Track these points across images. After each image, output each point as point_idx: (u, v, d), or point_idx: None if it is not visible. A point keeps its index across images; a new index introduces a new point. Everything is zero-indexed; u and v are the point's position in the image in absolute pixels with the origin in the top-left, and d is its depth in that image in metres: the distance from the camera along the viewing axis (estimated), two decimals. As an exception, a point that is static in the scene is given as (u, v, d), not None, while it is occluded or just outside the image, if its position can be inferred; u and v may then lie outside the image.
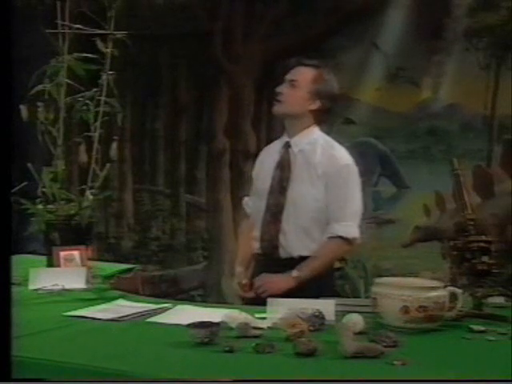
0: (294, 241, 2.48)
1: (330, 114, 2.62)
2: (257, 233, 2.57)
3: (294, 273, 2.40)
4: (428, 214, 4.37)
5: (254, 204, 2.65)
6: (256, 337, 1.72)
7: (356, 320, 1.77)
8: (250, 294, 2.48)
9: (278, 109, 2.53)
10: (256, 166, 2.73)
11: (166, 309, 2.13)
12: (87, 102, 2.94)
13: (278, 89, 2.52)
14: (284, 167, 2.53)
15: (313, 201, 2.47)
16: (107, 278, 2.68)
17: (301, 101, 2.50)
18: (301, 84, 2.49)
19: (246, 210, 2.74)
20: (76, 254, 2.76)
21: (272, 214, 2.51)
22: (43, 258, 2.85)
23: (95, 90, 2.94)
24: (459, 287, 1.93)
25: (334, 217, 2.45)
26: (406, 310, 1.79)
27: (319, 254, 2.45)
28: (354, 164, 2.51)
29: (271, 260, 2.51)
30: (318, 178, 2.46)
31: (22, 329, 1.73)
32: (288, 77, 2.52)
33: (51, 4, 3.05)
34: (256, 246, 2.58)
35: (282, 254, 2.50)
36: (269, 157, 2.63)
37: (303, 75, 2.51)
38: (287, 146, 2.56)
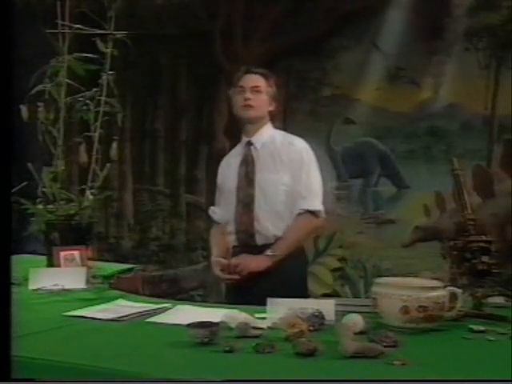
0: (269, 225, 2.67)
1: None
2: (231, 227, 2.74)
3: (269, 252, 2.60)
4: (428, 214, 4.37)
5: (224, 206, 2.81)
6: (256, 337, 1.72)
7: (356, 320, 1.77)
8: (231, 276, 2.62)
9: (248, 113, 2.73)
10: (220, 171, 2.90)
11: (166, 309, 2.13)
12: (87, 101, 2.94)
13: (246, 95, 2.71)
14: (248, 162, 2.75)
15: (280, 185, 2.68)
16: (107, 277, 2.69)
17: (265, 104, 2.76)
18: (262, 89, 2.74)
19: (213, 217, 2.89)
20: (76, 253, 2.76)
21: (244, 205, 2.70)
22: (43, 258, 2.86)
23: (95, 89, 2.95)
24: (459, 287, 1.92)
25: (300, 195, 2.67)
26: (405, 309, 1.79)
27: (290, 231, 2.66)
28: (311, 149, 2.77)
29: (249, 248, 2.67)
30: (282, 163, 2.70)
31: (22, 329, 1.73)
32: (248, 84, 2.73)
33: (51, 4, 3.05)
34: (232, 239, 2.75)
35: (259, 240, 2.68)
36: (232, 160, 2.83)
37: (260, 81, 2.75)
38: (249, 144, 2.77)
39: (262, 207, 2.68)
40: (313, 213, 2.67)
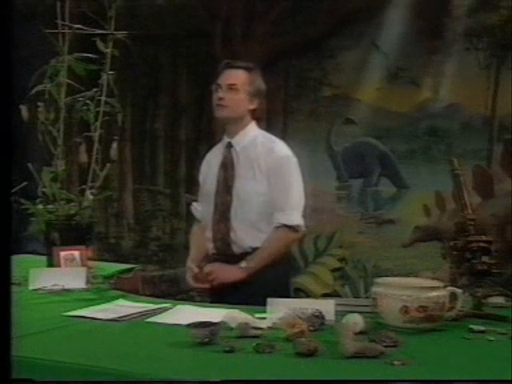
0: (244, 236, 2.55)
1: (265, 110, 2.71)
2: (209, 234, 2.64)
3: (243, 263, 2.49)
4: (428, 214, 4.37)
5: (204, 207, 2.73)
6: (256, 337, 1.72)
7: (356, 320, 1.77)
8: (202, 284, 2.53)
9: (221, 113, 2.58)
10: (202, 170, 2.80)
11: (166, 309, 2.13)
12: (87, 102, 2.94)
13: (219, 94, 2.56)
14: (227, 167, 2.62)
15: (257, 195, 2.55)
16: (107, 277, 2.69)
17: (242, 103, 2.57)
18: (239, 87, 2.56)
19: (195, 214, 2.82)
20: (76, 253, 2.76)
21: (220, 213, 2.59)
22: (43, 258, 2.85)
23: (95, 90, 2.95)
24: (459, 287, 1.92)
25: (277, 207, 2.53)
26: (406, 309, 1.79)
27: (266, 245, 2.53)
28: (293, 155, 2.59)
29: (227, 257, 2.57)
30: (261, 172, 2.55)
31: (22, 329, 1.73)
32: (225, 81, 2.57)
33: (51, 4, 3.05)
34: (210, 246, 2.65)
35: (236, 249, 2.57)
36: (213, 159, 2.71)
37: (239, 78, 2.57)
38: (229, 146, 2.63)
39: (238, 217, 2.56)
40: (291, 227, 2.53)
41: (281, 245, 2.57)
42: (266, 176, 2.54)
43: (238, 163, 2.59)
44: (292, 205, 2.54)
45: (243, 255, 2.53)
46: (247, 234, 2.55)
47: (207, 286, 2.51)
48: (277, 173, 2.54)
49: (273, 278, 2.48)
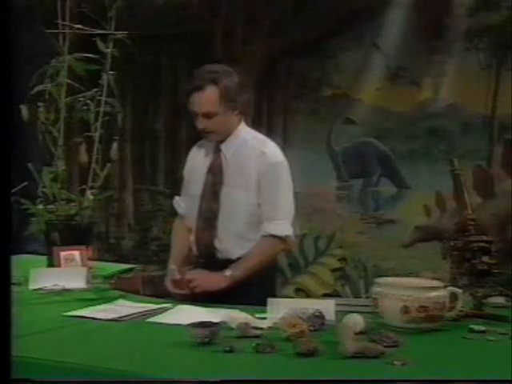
0: (230, 245, 2.45)
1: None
2: (192, 237, 2.55)
3: (227, 272, 2.34)
4: (428, 214, 4.37)
5: (187, 205, 2.61)
6: (256, 337, 1.72)
7: (356, 320, 1.77)
8: (183, 291, 2.36)
9: (213, 139, 2.49)
10: (187, 165, 2.66)
11: (166, 309, 2.13)
12: (88, 102, 2.94)
13: (200, 125, 2.43)
14: (216, 172, 2.49)
15: (247, 205, 2.44)
16: (107, 277, 2.69)
17: (226, 120, 2.44)
18: (215, 109, 2.39)
19: (177, 210, 2.69)
20: (76, 254, 2.76)
21: (205, 219, 2.49)
22: (43, 258, 2.86)
23: (96, 90, 2.95)
24: (459, 287, 1.93)
25: (266, 216, 2.42)
26: (406, 310, 1.79)
27: (252, 254, 2.41)
28: (286, 160, 2.47)
29: (209, 262, 2.46)
30: (251, 181, 2.42)
31: (22, 329, 1.73)
32: (199, 110, 2.41)
33: (51, 4, 3.05)
34: (194, 249, 2.55)
35: (220, 256, 2.47)
36: (200, 159, 2.58)
37: (211, 100, 2.38)
38: (218, 150, 2.50)
39: (225, 227, 2.45)
40: (279, 237, 2.41)
41: (268, 255, 2.45)
42: (256, 184, 2.42)
43: (227, 170, 2.47)
44: (281, 214, 2.43)
45: (228, 262, 2.41)
46: (233, 243, 2.44)
47: (187, 292, 2.34)
48: (267, 179, 2.42)
49: (259, 290, 2.30)
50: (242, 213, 2.44)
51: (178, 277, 2.39)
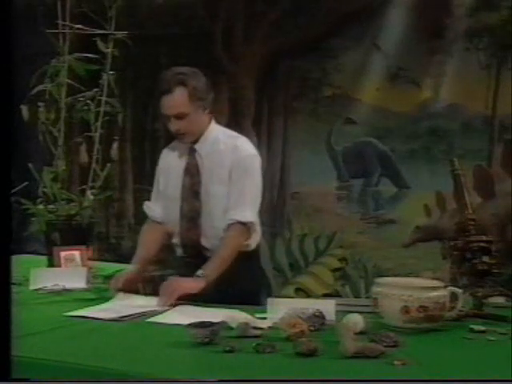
0: (217, 241, 2.42)
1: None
2: (176, 240, 2.55)
3: (199, 272, 2.29)
4: (428, 214, 4.36)
5: (165, 209, 2.59)
6: (256, 337, 1.72)
7: (356, 320, 1.77)
8: (166, 302, 2.22)
9: (186, 140, 2.50)
10: (159, 167, 2.65)
11: (166, 309, 2.13)
12: (88, 102, 2.95)
13: (172, 127, 2.45)
14: (193, 173, 2.50)
15: (225, 199, 2.44)
16: (107, 277, 2.69)
17: (197, 120, 2.46)
18: (185, 110, 2.41)
19: (149, 214, 2.65)
20: (76, 254, 2.76)
21: (189, 219, 2.49)
22: (44, 258, 2.86)
23: (96, 90, 2.95)
24: (460, 287, 1.92)
25: (232, 204, 2.42)
26: (406, 310, 1.79)
27: (221, 249, 2.38)
28: (258, 155, 2.50)
29: (199, 260, 2.41)
30: (226, 175, 2.45)
31: (22, 329, 1.73)
32: (169, 113, 2.43)
33: (52, 4, 3.05)
34: (179, 251, 2.56)
35: (208, 253, 2.45)
36: (174, 160, 2.58)
37: (179, 102, 2.40)
38: (192, 150, 2.52)
39: (209, 224, 2.45)
40: (244, 224, 2.39)
41: (235, 244, 2.41)
42: (230, 177, 2.44)
43: (204, 169, 2.49)
44: (246, 201, 2.42)
45: None
46: (219, 239, 2.41)
47: (169, 302, 2.23)
48: (237, 171, 2.43)
49: (243, 290, 2.32)
50: (222, 207, 2.44)
51: (120, 286, 2.36)
